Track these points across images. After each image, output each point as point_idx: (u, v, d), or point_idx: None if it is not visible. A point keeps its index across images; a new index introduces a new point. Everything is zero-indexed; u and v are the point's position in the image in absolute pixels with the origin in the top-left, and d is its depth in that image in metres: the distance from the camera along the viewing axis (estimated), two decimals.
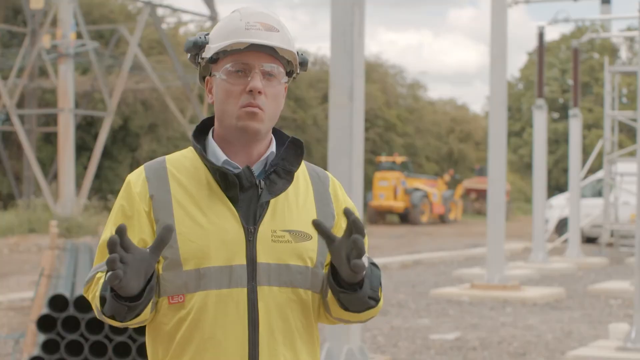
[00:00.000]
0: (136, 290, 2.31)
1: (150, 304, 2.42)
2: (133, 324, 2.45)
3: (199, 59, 2.57)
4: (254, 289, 2.46)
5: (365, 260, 2.34)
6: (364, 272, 2.38)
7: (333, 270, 2.43)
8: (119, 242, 2.23)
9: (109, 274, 2.24)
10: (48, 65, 29.88)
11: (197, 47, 2.56)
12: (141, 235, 2.49)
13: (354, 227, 2.30)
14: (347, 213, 2.31)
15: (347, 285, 2.42)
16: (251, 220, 2.49)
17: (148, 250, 2.30)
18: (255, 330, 2.45)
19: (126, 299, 2.34)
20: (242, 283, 2.45)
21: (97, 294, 2.43)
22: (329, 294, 2.51)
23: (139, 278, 2.30)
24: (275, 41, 2.49)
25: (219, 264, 2.45)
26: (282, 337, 2.48)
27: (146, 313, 2.43)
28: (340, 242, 2.35)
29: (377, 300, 2.48)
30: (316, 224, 2.33)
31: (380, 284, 2.50)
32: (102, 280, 2.43)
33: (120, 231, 2.24)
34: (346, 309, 2.49)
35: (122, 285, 2.27)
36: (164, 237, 2.29)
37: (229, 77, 2.50)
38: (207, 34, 2.57)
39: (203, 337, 2.44)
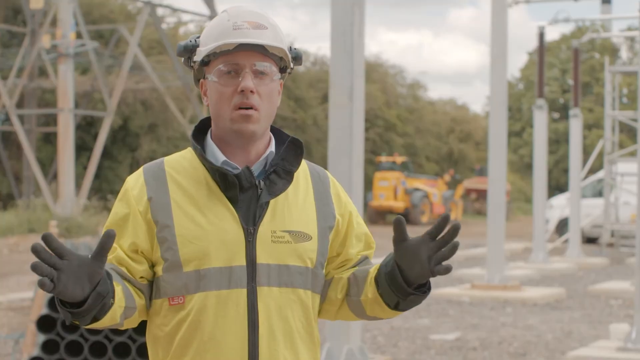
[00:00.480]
0: (80, 297, 2.26)
1: (117, 308, 2.39)
2: (99, 327, 2.42)
3: (192, 63, 2.56)
4: (253, 289, 2.45)
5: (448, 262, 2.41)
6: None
7: (399, 271, 2.45)
8: (44, 248, 2.20)
9: (39, 279, 2.21)
10: (48, 65, 29.86)
11: (187, 51, 2.55)
12: (133, 239, 2.48)
13: (452, 232, 2.37)
14: (446, 218, 2.38)
15: (416, 287, 2.47)
16: (251, 220, 2.48)
17: (89, 256, 2.26)
18: (255, 331, 2.44)
19: (72, 304, 2.30)
20: (241, 284, 2.44)
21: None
22: (371, 294, 2.53)
23: (82, 283, 2.25)
24: (264, 39, 2.48)
25: (219, 265, 2.44)
26: (282, 337, 2.48)
27: (113, 318, 2.40)
28: (420, 242, 2.39)
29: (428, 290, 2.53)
30: (398, 222, 2.37)
31: None
32: None
33: (48, 237, 2.21)
34: (397, 308, 2.53)
35: (59, 291, 2.22)
36: (105, 242, 2.26)
37: (221, 79, 2.49)
38: (198, 37, 2.56)
39: (203, 338, 2.44)
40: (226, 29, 2.48)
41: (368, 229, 2.72)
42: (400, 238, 2.40)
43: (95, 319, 2.35)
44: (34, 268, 2.18)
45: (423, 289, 2.49)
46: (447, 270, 2.37)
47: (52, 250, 2.21)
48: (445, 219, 2.37)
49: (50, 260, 2.20)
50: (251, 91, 2.46)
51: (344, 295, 2.62)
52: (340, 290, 2.62)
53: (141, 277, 2.50)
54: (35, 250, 2.18)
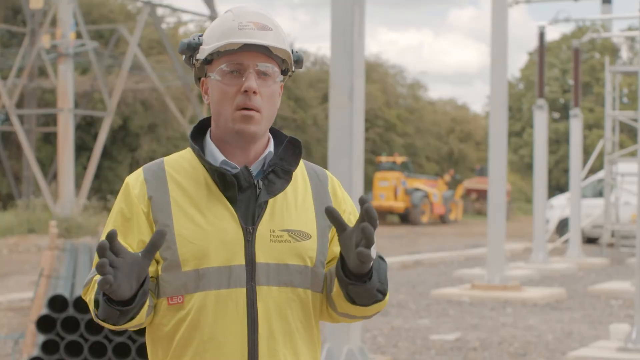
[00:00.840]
0: (128, 294, 2.29)
1: (145, 307, 2.41)
2: (128, 327, 2.44)
3: (194, 61, 2.56)
4: (253, 289, 2.45)
5: (373, 251, 2.30)
6: (372, 263, 2.35)
7: (342, 261, 2.40)
8: (109, 247, 2.22)
9: (99, 278, 2.23)
10: (47, 65, 29.85)
11: (190, 49, 2.54)
12: (140, 237, 2.48)
13: (366, 215, 2.27)
14: (362, 201, 2.28)
15: (356, 277, 2.39)
16: (250, 220, 2.48)
17: (140, 254, 2.28)
18: (254, 331, 2.44)
19: (118, 302, 2.33)
20: (241, 283, 2.44)
21: (92, 297, 2.42)
22: (335, 288, 2.49)
23: (131, 282, 2.28)
24: (269, 40, 2.48)
25: (218, 265, 2.44)
26: (282, 337, 2.47)
27: (141, 317, 2.42)
28: (351, 231, 2.32)
29: (384, 294, 2.45)
30: (329, 212, 2.31)
31: (387, 278, 2.47)
32: None
33: (111, 236, 2.23)
34: (353, 302, 2.46)
35: (113, 290, 2.25)
36: (157, 241, 2.28)
37: (224, 78, 2.49)
38: (201, 35, 2.56)
39: (202, 337, 2.44)
40: (231, 28, 2.48)
41: None
42: (338, 228, 2.33)
43: (133, 317, 2.39)
44: (101, 266, 2.20)
45: (364, 278, 2.40)
46: (362, 255, 2.26)
47: (111, 248, 2.23)
48: (361, 202, 2.28)
49: (110, 258, 2.23)
50: (254, 92, 2.46)
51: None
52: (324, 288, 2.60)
53: (151, 277, 2.49)
54: (101, 248, 2.20)
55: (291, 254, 2.49)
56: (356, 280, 2.40)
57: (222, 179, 2.48)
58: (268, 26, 2.49)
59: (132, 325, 2.43)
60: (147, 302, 2.42)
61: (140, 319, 2.43)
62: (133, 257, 2.27)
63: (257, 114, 2.47)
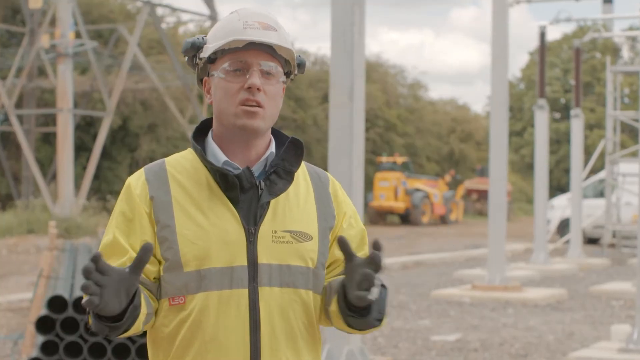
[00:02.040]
0: (117, 310, 2.28)
1: (142, 317, 2.40)
2: (126, 336, 2.42)
3: (197, 60, 2.57)
4: (255, 289, 2.45)
5: (375, 292, 2.33)
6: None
7: (344, 290, 2.42)
8: (95, 268, 2.21)
9: (84, 299, 2.23)
10: (47, 65, 29.82)
11: (195, 48, 2.55)
12: (143, 237, 2.48)
13: (371, 262, 2.31)
14: (375, 246, 2.31)
15: (355, 309, 2.42)
16: (252, 220, 2.48)
17: (127, 270, 2.27)
18: (256, 331, 2.44)
19: (108, 318, 2.32)
20: (243, 284, 2.45)
21: None
22: (333, 306, 2.50)
23: (120, 298, 2.27)
24: (274, 40, 2.49)
25: (220, 265, 2.44)
26: (284, 337, 2.48)
27: (137, 327, 2.42)
28: (358, 265, 2.35)
29: (381, 320, 2.47)
30: (341, 242, 2.34)
31: (385, 305, 2.49)
32: None
33: (96, 258, 2.22)
34: (350, 326, 2.49)
35: (101, 308, 2.24)
36: (143, 256, 2.26)
37: (228, 76, 2.50)
38: (205, 36, 2.57)
39: (204, 338, 2.44)
40: (237, 27, 2.50)
41: (363, 227, 2.70)
42: (347, 258, 2.36)
43: (127, 329, 2.39)
44: (85, 288, 2.20)
45: (363, 312, 2.43)
46: (360, 298, 2.33)
47: (98, 269, 2.23)
48: (373, 246, 2.31)
49: (96, 278, 2.22)
50: (258, 88, 2.47)
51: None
52: (322, 298, 2.61)
53: (154, 278, 2.49)
54: (86, 271, 2.19)
55: (293, 255, 2.49)
56: (355, 313, 2.43)
57: (224, 180, 2.48)
58: (272, 27, 2.51)
59: (129, 335, 2.44)
60: (145, 311, 2.42)
61: (137, 329, 2.43)
62: (120, 273, 2.25)
63: (260, 109, 2.48)
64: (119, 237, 2.48)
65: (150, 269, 2.47)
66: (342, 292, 2.43)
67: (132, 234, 2.48)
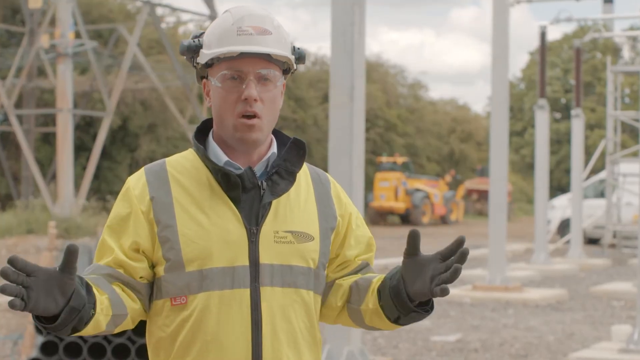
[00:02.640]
0: (54, 310, 2.25)
1: (101, 318, 2.38)
2: (84, 335, 2.41)
3: (195, 63, 2.55)
4: (256, 289, 2.45)
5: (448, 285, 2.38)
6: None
7: (400, 285, 2.45)
8: (11, 270, 2.19)
9: (8, 301, 2.21)
10: (46, 65, 29.77)
11: (191, 51, 2.53)
12: (135, 238, 2.47)
13: (460, 256, 2.33)
14: (460, 242, 2.33)
15: (417, 304, 2.46)
16: (253, 220, 2.48)
17: (57, 268, 2.25)
18: (258, 331, 2.44)
19: (48, 319, 2.29)
20: (244, 284, 2.44)
21: None
22: (372, 304, 2.54)
23: (53, 297, 2.24)
24: (269, 45, 2.45)
25: (222, 265, 2.44)
26: (286, 338, 2.47)
27: (98, 327, 2.39)
28: (428, 259, 2.38)
29: (432, 310, 2.53)
30: (414, 235, 2.37)
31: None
32: None
33: (12, 259, 2.19)
34: (396, 322, 2.52)
35: (32, 308, 2.22)
36: (67, 258, 2.24)
37: (224, 84, 2.47)
38: (202, 34, 2.54)
39: (206, 338, 2.44)
40: (230, 33, 2.45)
41: (369, 230, 2.72)
42: (411, 251, 2.40)
43: (75, 329, 2.34)
44: (2, 291, 2.17)
45: (426, 307, 2.48)
46: (444, 292, 2.33)
47: (19, 270, 2.19)
48: (459, 243, 2.34)
49: (17, 279, 2.18)
50: (254, 99, 2.45)
51: (344, 302, 2.62)
52: (341, 297, 2.62)
53: (141, 277, 2.48)
54: (4, 274, 2.16)
55: (295, 255, 2.49)
56: (419, 307, 2.46)
57: (226, 179, 2.47)
58: (268, 30, 2.46)
59: (88, 334, 2.41)
60: (110, 312, 2.40)
61: (98, 329, 2.39)
62: (47, 273, 2.23)
63: (258, 120, 2.46)
64: (107, 238, 2.49)
65: (138, 267, 2.46)
66: (397, 289, 2.44)
67: (123, 235, 2.47)
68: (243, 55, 2.44)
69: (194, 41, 2.52)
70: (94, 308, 2.34)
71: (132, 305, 2.47)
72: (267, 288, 2.45)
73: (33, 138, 32.46)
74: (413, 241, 2.37)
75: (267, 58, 2.46)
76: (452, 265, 2.32)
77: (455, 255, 2.33)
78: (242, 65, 2.45)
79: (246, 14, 2.47)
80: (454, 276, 2.32)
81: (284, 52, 2.48)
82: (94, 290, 2.36)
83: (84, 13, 32.20)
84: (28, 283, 2.20)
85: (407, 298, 2.43)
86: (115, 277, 2.46)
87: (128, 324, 2.49)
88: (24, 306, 2.19)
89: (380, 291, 2.51)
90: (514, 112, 53.64)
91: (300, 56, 2.56)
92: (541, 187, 19.51)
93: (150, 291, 2.51)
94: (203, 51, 2.50)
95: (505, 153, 14.48)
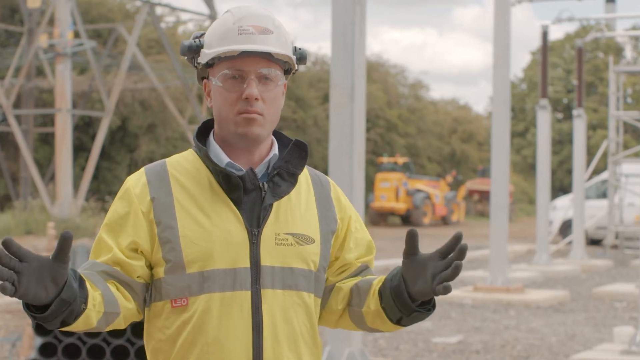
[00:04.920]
0: (44, 299, 2.22)
1: (92, 314, 2.35)
2: (73, 330, 2.38)
3: (195, 63, 2.55)
4: (257, 292, 2.45)
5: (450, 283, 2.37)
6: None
7: (401, 286, 2.44)
8: (5, 252, 2.15)
9: None
10: (45, 64, 29.73)
11: (192, 52, 2.53)
12: (134, 238, 2.46)
13: (459, 253, 2.32)
14: (458, 238, 2.33)
15: (418, 304, 2.45)
16: (255, 222, 2.47)
17: (50, 257, 2.22)
18: (259, 334, 2.44)
19: (38, 308, 2.27)
20: (245, 286, 2.44)
21: None
22: (373, 305, 2.52)
23: (44, 285, 2.21)
24: (270, 44, 2.46)
25: (223, 267, 2.44)
26: (286, 340, 2.47)
27: (87, 323, 2.36)
28: (428, 258, 2.38)
29: (434, 309, 2.52)
30: (412, 234, 2.37)
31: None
32: None
33: (6, 242, 2.16)
34: (399, 322, 2.50)
35: (22, 294, 2.19)
36: (61, 245, 2.20)
37: (225, 84, 2.47)
38: (203, 34, 2.55)
39: (207, 340, 2.43)
40: (231, 32, 2.46)
41: (368, 233, 2.72)
42: (410, 251, 2.40)
43: (65, 323, 2.31)
44: None
45: (427, 306, 2.47)
46: (447, 290, 2.32)
47: (12, 254, 2.17)
48: (457, 239, 2.33)
49: (9, 263, 2.16)
50: (255, 98, 2.45)
51: (345, 306, 2.62)
52: (341, 300, 2.61)
53: (138, 276, 2.47)
54: None
55: (296, 257, 2.49)
56: (421, 307, 2.45)
57: (227, 181, 2.46)
58: (269, 29, 2.47)
59: (78, 329, 2.37)
60: (102, 309, 2.37)
61: (88, 325, 2.36)
62: (40, 260, 2.20)
63: (259, 116, 2.46)
64: (105, 236, 2.47)
65: (136, 265, 2.45)
66: (398, 289, 2.43)
67: (122, 233, 2.46)
68: (244, 55, 2.44)
69: (194, 41, 2.52)
70: (86, 303, 2.32)
71: (126, 305, 2.45)
72: (268, 290, 2.45)
73: (32, 138, 32.41)
74: (412, 241, 2.37)
75: (268, 57, 2.46)
76: (452, 263, 2.31)
77: (454, 251, 2.32)
78: (243, 65, 2.45)
79: (247, 14, 2.47)
80: (454, 273, 2.31)
81: (285, 51, 2.48)
82: (88, 285, 2.34)
83: (83, 12, 32.18)
84: (20, 268, 2.17)
85: (409, 298, 2.42)
86: (111, 275, 2.44)
87: (120, 324, 2.47)
88: (14, 291, 2.15)
89: (381, 293, 2.50)
90: (515, 112, 53.69)
91: (301, 56, 2.57)
92: (543, 187, 19.49)
93: (146, 291, 2.50)
94: (204, 51, 2.50)
95: (507, 153, 14.44)
